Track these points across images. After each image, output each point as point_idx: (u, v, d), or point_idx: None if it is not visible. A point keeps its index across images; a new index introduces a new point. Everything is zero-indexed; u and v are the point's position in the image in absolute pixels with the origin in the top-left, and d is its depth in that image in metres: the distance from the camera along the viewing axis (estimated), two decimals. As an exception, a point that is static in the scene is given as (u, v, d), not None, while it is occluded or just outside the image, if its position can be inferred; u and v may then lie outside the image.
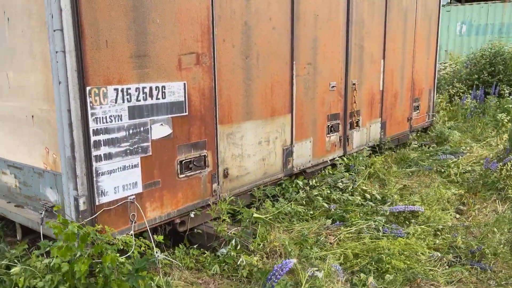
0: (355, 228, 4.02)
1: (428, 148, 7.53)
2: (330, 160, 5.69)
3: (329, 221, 4.25)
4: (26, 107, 3.35)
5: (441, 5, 8.63)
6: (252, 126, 4.35)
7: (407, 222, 4.30)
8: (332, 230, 4.12)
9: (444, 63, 16.28)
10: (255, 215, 3.87)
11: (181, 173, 3.63)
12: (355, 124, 6.19)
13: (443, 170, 6.02)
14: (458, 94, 11.52)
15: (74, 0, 2.73)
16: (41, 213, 3.27)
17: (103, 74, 2.96)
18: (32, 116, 3.30)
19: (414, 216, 4.33)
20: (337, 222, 4.28)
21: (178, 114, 3.55)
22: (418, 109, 8.27)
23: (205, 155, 3.85)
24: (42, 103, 3.16)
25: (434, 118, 9.05)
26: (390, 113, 7.20)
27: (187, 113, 3.62)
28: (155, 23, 3.27)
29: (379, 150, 6.68)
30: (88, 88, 2.88)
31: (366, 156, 6.10)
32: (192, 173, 3.74)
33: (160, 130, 3.41)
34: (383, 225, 4.12)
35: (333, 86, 5.56)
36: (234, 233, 3.61)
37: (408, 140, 7.78)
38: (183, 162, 3.63)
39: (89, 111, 2.91)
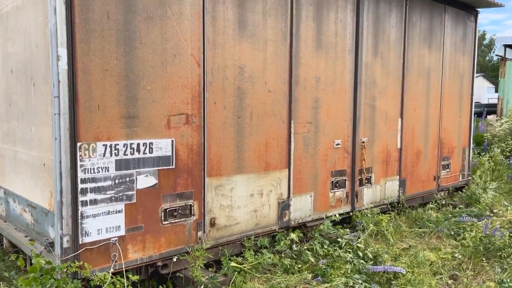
0: (331, 284, 4.13)
1: (454, 208, 7.33)
2: (334, 215, 5.81)
3: (310, 275, 4.39)
4: (41, 156, 4.01)
5: (475, 65, 8.59)
6: (243, 179, 4.70)
7: (388, 283, 4.31)
8: (311, 285, 4.26)
9: (501, 119, 15.65)
10: (232, 264, 4.14)
11: (165, 220, 4.05)
12: (365, 181, 6.29)
13: (453, 233, 5.86)
14: (504, 152, 11.00)
15: (71, 73, 3.38)
16: (42, 247, 3.83)
17: (93, 132, 3.54)
18: (44, 164, 3.95)
19: (396, 278, 4.33)
20: (318, 277, 4.40)
21: (165, 167, 4.02)
22: (448, 168, 8.10)
23: (191, 204, 4.25)
24: (50, 154, 3.79)
25: (470, 177, 8.75)
26: (411, 171, 7.18)
27: (173, 166, 4.08)
28: (145, 89, 3.84)
29: (392, 208, 6.66)
30: (78, 144, 3.46)
31: (377, 213, 6.15)
32: (176, 220, 4.14)
33: (145, 180, 3.89)
34: (361, 284, 4.17)
35: (337, 144, 5.79)
36: (206, 280, 3.91)
37: (433, 199, 7.62)
38: (167, 210, 4.06)
39: (78, 163, 3.47)
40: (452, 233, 5.85)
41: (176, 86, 4.05)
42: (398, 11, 6.59)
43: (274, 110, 4.97)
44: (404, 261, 4.66)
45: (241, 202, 4.71)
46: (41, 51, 3.82)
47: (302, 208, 5.41)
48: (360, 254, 4.92)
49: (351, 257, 4.79)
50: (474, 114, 22.28)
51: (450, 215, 6.88)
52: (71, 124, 3.41)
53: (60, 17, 3.29)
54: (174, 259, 4.13)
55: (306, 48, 5.26)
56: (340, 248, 5.02)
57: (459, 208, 7.37)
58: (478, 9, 8.54)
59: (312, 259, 4.68)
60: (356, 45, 5.95)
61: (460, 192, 8.24)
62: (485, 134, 13.75)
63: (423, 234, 6.07)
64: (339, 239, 5.22)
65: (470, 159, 8.82)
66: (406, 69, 6.85)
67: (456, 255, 5.10)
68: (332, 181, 5.81)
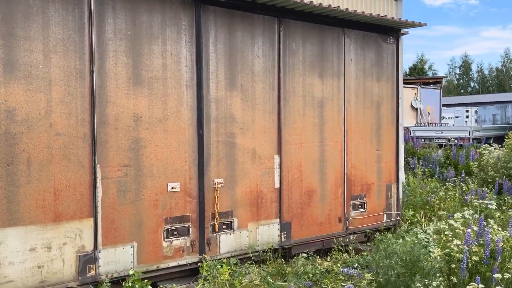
0: None
1: (355, 255, 6.44)
2: (175, 267, 5.23)
3: None
4: None
5: (399, 91, 7.73)
6: (17, 233, 4.29)
7: None
8: None
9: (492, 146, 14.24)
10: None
11: None
12: (222, 227, 5.64)
13: (307, 289, 5.06)
14: (458, 186, 9.79)
15: None
16: None
17: None
18: None
19: None
20: None
21: None
22: (363, 208, 7.22)
23: None
24: None
25: (399, 217, 7.75)
26: (299, 213, 6.41)
27: None
28: None
29: (271, 256, 5.91)
30: None
31: (234, 263, 5.48)
32: None
33: None
34: None
35: (173, 187, 5.24)
36: None
37: (334, 244, 6.74)
38: None
39: None
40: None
41: None
42: (266, 39, 6.03)
43: (67, 155, 4.55)
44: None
45: (15, 258, 4.28)
46: None
47: (119, 260, 4.88)
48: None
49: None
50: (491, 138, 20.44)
51: (339, 265, 6.03)
52: None
53: None
54: None
55: (116, 85, 4.84)
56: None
57: (361, 255, 6.46)
58: (402, 30, 7.76)
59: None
60: (199, 78, 5.44)
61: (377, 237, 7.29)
62: (472, 163, 12.53)
63: (282, 289, 5.30)
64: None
65: (400, 196, 7.83)
66: (284, 100, 6.21)
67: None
68: (168, 229, 5.23)
